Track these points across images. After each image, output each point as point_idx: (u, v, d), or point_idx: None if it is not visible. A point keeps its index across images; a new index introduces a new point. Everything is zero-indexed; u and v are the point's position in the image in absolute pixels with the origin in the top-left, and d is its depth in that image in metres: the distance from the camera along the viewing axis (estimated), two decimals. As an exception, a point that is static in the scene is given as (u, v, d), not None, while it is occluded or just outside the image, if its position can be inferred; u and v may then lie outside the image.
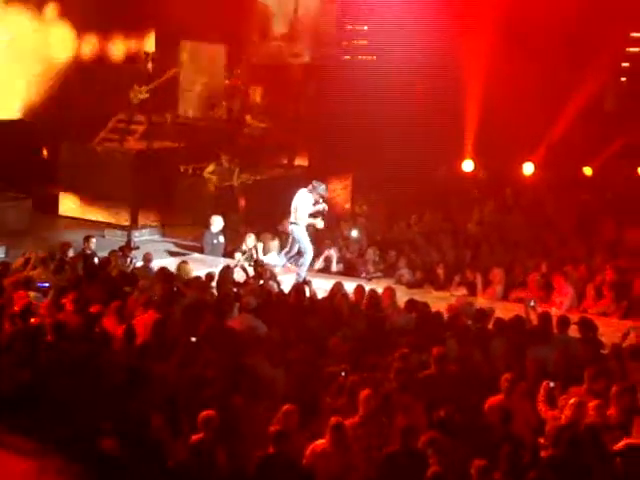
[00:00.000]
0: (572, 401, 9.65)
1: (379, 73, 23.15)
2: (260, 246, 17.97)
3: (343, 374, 10.40)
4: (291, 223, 16.69)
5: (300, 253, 16.73)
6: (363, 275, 17.82)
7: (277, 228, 19.04)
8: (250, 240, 18.06)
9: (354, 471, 8.73)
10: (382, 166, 22.07)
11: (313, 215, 16.53)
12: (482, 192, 22.22)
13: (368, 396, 9.46)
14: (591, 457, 8.70)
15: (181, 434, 9.06)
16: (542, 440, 9.26)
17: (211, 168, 20.36)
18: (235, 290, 14.23)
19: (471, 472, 8.23)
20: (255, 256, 17.47)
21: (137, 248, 17.05)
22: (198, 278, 14.78)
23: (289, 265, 16.88)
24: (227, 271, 15.22)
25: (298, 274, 16.37)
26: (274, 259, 17.79)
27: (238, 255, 17.73)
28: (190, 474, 8.45)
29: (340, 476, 8.66)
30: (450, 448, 8.68)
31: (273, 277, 15.33)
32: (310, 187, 16.66)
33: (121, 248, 16.51)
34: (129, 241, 17.17)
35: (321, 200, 16.63)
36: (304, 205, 16.53)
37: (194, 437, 8.78)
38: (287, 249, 17.03)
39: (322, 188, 16.73)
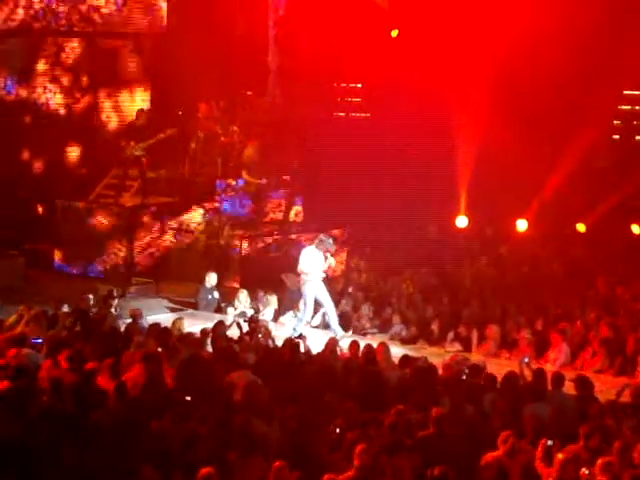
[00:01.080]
0: (560, 457, 9.62)
1: (373, 130, 23.31)
2: (245, 300, 18.02)
3: (337, 430, 10.35)
4: (301, 280, 16.68)
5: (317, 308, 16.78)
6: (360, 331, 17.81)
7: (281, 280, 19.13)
8: (242, 296, 18.08)
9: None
10: (376, 221, 22.14)
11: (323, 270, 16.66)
12: (478, 248, 22.29)
13: (363, 450, 9.41)
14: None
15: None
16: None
17: (201, 227, 20.48)
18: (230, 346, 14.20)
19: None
20: (249, 312, 17.45)
21: (121, 296, 17.08)
22: (192, 334, 14.74)
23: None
24: (221, 327, 15.20)
25: (293, 328, 16.36)
26: (269, 315, 17.80)
27: (230, 310, 17.72)
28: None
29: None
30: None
31: (268, 333, 15.31)
32: (317, 242, 16.76)
33: (104, 298, 16.51)
34: (111, 290, 17.13)
35: (329, 255, 16.71)
36: (313, 261, 16.58)
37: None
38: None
39: (329, 242, 16.82)
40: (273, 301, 18.37)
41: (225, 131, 21.88)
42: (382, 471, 9.41)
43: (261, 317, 17.54)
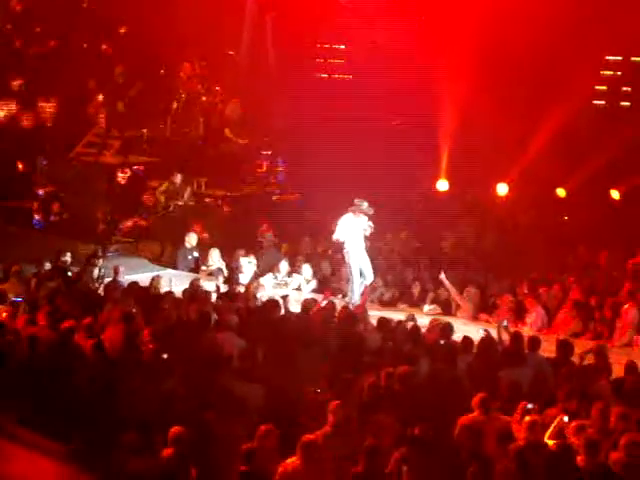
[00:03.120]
0: (527, 420, 9.70)
1: (355, 93, 23.20)
2: (218, 259, 17.94)
3: (318, 391, 10.39)
4: (344, 249, 16.43)
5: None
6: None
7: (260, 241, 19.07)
8: (215, 254, 18.06)
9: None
10: (358, 184, 22.07)
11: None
12: (458, 212, 22.30)
13: (338, 406, 9.47)
14: (553, 476, 8.71)
15: (152, 449, 9.00)
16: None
17: (164, 187, 20.21)
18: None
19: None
20: (226, 272, 17.43)
21: (104, 257, 17.02)
22: (172, 293, 14.73)
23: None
24: (198, 287, 15.20)
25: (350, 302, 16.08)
26: (248, 276, 17.76)
27: (203, 269, 17.67)
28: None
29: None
30: (423, 466, 8.68)
31: (250, 294, 15.30)
32: (353, 208, 16.35)
33: (88, 258, 16.47)
34: (96, 251, 17.07)
35: (367, 220, 16.31)
36: (349, 228, 16.29)
37: (164, 452, 8.74)
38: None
39: (365, 206, 16.40)
40: (253, 262, 18.35)
41: (207, 91, 21.75)
42: (362, 428, 9.45)
43: (240, 277, 17.58)
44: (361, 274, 16.63)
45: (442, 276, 17.03)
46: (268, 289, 17.28)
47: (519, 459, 8.93)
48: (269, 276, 18.15)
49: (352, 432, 9.44)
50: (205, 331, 12.53)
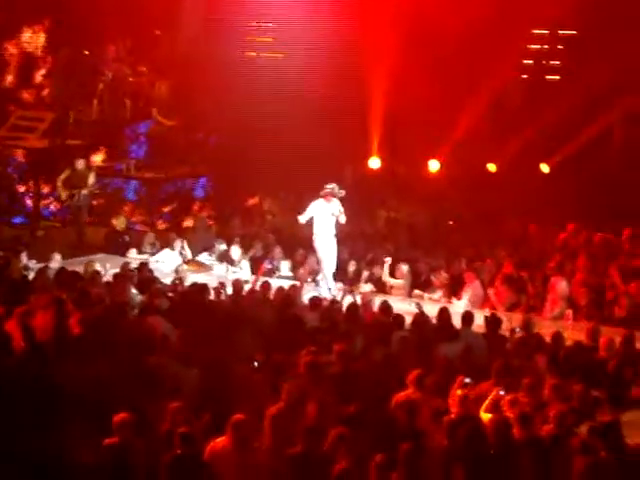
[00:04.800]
0: (459, 393, 9.74)
1: (284, 71, 23.08)
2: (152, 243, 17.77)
3: (256, 364, 10.34)
4: (314, 235, 16.15)
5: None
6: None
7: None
8: (149, 238, 17.89)
9: (255, 469, 8.65)
10: (289, 164, 22.00)
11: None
12: (391, 189, 22.34)
13: (292, 386, 9.50)
14: (486, 449, 8.75)
15: (89, 435, 8.88)
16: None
17: (64, 175, 19.12)
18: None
19: (371, 468, 8.23)
20: (152, 257, 17.28)
21: (26, 244, 16.75)
22: (100, 277, 14.56)
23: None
24: (129, 271, 15.07)
25: (318, 290, 15.85)
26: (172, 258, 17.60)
27: (133, 253, 17.50)
28: (104, 477, 8.29)
29: (239, 474, 8.58)
30: (359, 444, 8.67)
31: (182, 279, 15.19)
32: (324, 193, 16.04)
33: (13, 244, 16.21)
34: (19, 236, 16.78)
35: (339, 205, 16.00)
36: (317, 213, 16.05)
37: (108, 440, 8.61)
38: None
39: (336, 189, 16.10)
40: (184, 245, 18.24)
41: (133, 72, 21.50)
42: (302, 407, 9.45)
43: (175, 260, 17.46)
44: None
45: (387, 260, 17.00)
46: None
47: (451, 432, 8.96)
48: (204, 255, 18.02)
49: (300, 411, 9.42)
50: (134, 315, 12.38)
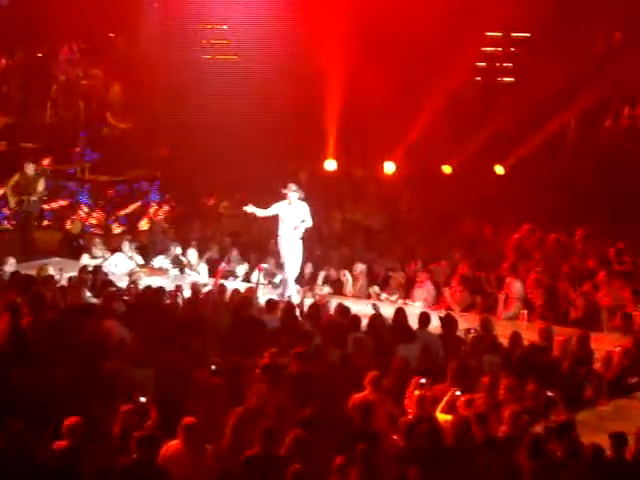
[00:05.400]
0: (416, 394, 9.78)
1: (240, 73, 23.06)
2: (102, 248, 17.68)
3: (213, 367, 10.33)
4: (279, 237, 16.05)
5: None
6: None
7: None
8: (97, 243, 17.81)
9: (207, 472, 8.64)
10: (245, 166, 21.97)
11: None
12: (347, 192, 22.39)
13: (260, 389, 9.56)
14: (443, 450, 8.79)
15: (42, 440, 8.81)
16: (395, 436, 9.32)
17: (13, 181, 18.47)
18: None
19: (332, 469, 8.24)
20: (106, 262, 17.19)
21: None
22: (54, 281, 14.47)
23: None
24: (83, 275, 14.99)
25: (283, 295, 15.74)
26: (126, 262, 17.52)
27: (85, 257, 17.40)
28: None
29: (192, 476, 8.56)
30: (315, 446, 8.68)
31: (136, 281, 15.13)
32: (285, 193, 15.86)
33: None
34: None
35: (306, 211, 15.89)
36: (287, 217, 15.95)
37: (58, 444, 8.56)
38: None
39: (294, 188, 15.95)
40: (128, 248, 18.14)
41: (86, 74, 21.37)
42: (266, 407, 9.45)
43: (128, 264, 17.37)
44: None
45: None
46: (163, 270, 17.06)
47: (408, 433, 9.00)
48: (160, 258, 17.96)
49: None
50: (90, 319, 12.29)
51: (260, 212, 16.23)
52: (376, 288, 16.93)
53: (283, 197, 16.07)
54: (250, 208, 16.19)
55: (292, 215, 16.01)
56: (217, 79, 23.14)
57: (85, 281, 14.75)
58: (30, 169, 18.41)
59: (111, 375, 10.38)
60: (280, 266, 17.34)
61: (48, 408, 9.35)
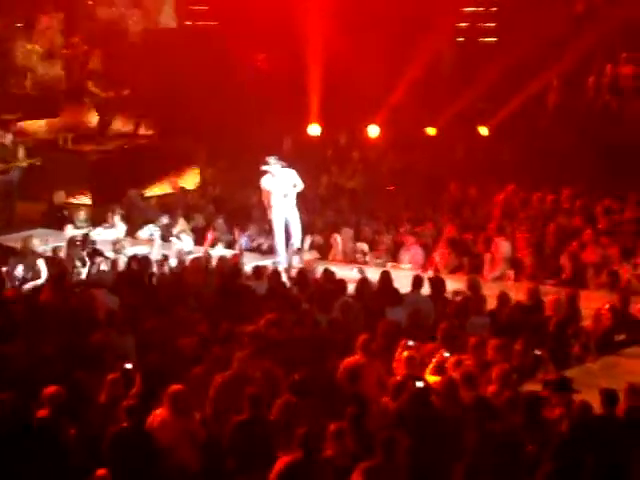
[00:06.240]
0: (405, 355, 9.78)
1: (220, 40, 22.90)
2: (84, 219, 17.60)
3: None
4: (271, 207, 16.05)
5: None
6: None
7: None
8: (80, 215, 17.73)
9: (193, 439, 8.63)
10: (228, 134, 21.88)
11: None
12: (331, 156, 22.32)
13: (242, 357, 9.48)
14: (432, 411, 8.80)
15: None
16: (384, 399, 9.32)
17: None
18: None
19: (327, 435, 8.23)
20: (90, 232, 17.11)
21: None
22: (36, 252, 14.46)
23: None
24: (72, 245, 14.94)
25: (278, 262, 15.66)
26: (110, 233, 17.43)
27: (69, 228, 17.32)
28: (36, 450, 8.20)
29: (179, 444, 8.55)
30: (304, 411, 8.67)
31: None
32: (267, 168, 15.87)
33: None
34: None
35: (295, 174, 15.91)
36: (269, 186, 15.95)
37: (39, 412, 8.54)
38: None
39: (273, 160, 15.99)
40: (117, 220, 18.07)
41: (66, 43, 21.19)
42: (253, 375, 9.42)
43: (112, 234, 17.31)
44: (287, 232, 16.32)
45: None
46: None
47: (396, 394, 8.99)
48: (148, 228, 17.87)
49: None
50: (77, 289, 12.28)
51: (266, 197, 16.14)
52: (365, 246, 16.86)
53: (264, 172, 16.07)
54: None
55: (280, 185, 16.00)
56: (198, 46, 22.99)
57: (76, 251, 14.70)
58: (7, 138, 18.40)
59: (99, 345, 10.36)
60: (264, 233, 17.37)
61: (37, 379, 9.32)
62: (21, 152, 18.61)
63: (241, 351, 9.72)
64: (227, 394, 9.06)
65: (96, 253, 14.59)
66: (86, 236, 15.95)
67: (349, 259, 16.84)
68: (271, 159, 16.09)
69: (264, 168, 16.01)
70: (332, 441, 8.16)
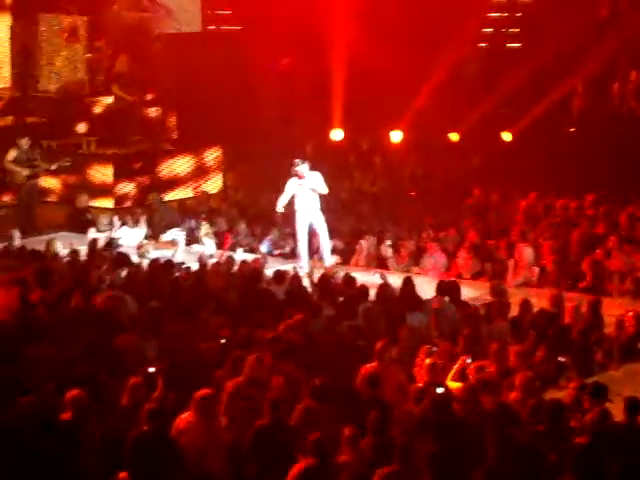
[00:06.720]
0: (427, 362, 9.76)
1: (244, 44, 22.96)
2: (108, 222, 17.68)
3: (223, 341, 10.30)
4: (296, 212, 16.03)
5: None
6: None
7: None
8: (103, 218, 17.79)
9: (219, 444, 8.64)
10: (251, 138, 21.92)
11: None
12: (354, 161, 22.33)
13: (256, 359, 9.46)
14: (454, 417, 8.77)
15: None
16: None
17: (11, 155, 18.22)
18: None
19: (341, 440, 8.22)
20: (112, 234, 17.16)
21: None
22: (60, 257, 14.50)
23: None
24: (96, 249, 15.01)
25: (300, 267, 15.57)
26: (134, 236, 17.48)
27: (92, 231, 17.38)
28: (58, 453, 8.23)
29: (205, 449, 8.56)
30: (325, 416, 8.66)
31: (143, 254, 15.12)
32: (294, 171, 15.83)
33: None
34: None
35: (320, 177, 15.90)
36: (292, 192, 15.94)
37: (63, 415, 8.57)
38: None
39: (299, 162, 15.93)
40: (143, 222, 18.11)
41: (90, 47, 21.29)
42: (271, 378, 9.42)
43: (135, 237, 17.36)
44: (313, 234, 16.29)
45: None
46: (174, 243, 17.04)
47: (418, 400, 8.97)
48: (172, 231, 17.88)
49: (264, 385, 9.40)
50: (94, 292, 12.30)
51: (284, 201, 16.15)
52: (389, 250, 16.76)
53: (291, 175, 16.06)
54: (279, 208, 16.15)
55: (305, 188, 15.98)
56: (221, 50, 23.07)
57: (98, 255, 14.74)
58: (25, 143, 18.35)
59: (123, 349, 10.39)
60: (286, 237, 17.37)
61: (61, 381, 9.36)
62: (38, 155, 18.62)
63: (252, 355, 9.68)
64: (239, 399, 9.06)
65: (122, 258, 14.62)
66: (112, 240, 16.01)
67: (372, 265, 16.80)
68: (298, 161, 16.08)
69: (295, 169, 15.98)
70: (347, 446, 8.16)
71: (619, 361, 11.45)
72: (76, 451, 8.31)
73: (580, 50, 20.67)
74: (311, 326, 11.02)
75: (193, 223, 18.15)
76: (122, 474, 7.97)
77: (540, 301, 12.95)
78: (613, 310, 12.74)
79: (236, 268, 14.35)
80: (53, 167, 18.71)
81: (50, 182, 20.02)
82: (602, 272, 15.29)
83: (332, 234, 17.61)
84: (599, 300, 12.60)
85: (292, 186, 16.09)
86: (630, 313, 12.12)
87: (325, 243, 16.31)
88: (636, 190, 18.45)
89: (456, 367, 10.01)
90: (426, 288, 13.15)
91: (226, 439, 8.71)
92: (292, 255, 17.04)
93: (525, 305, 12.23)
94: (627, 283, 14.77)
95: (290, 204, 16.47)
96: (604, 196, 18.28)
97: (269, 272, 14.23)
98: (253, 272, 13.82)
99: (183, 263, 14.60)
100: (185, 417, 8.73)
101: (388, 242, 16.85)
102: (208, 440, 8.58)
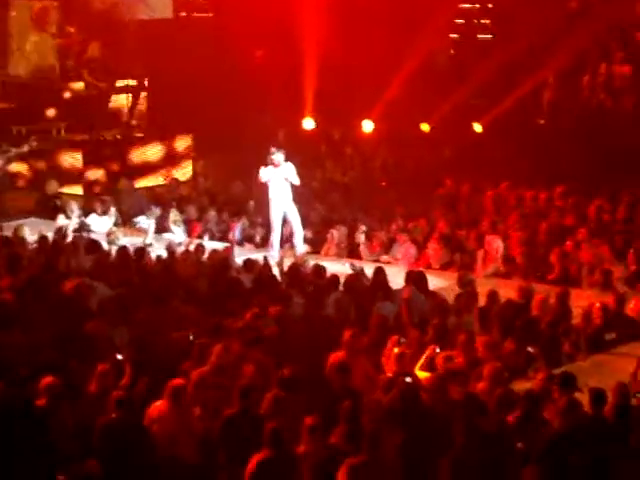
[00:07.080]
0: (396, 351, 9.79)
1: (216, 31, 22.87)
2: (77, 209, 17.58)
3: (191, 337, 10.29)
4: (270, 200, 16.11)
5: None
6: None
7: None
8: (74, 205, 17.72)
9: (191, 432, 8.64)
10: (222, 126, 21.84)
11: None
12: (327, 150, 22.33)
13: (223, 348, 9.46)
14: (422, 407, 8.80)
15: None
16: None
17: None
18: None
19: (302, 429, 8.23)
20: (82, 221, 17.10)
21: None
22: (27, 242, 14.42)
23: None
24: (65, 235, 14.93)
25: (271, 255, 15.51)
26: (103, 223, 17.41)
27: (61, 218, 17.30)
28: (33, 439, 8.21)
29: (177, 437, 8.57)
30: (293, 406, 8.68)
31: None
32: (270, 159, 15.95)
33: None
34: None
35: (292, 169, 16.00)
36: (275, 179, 16.00)
37: (37, 402, 8.54)
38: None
39: (275, 150, 16.10)
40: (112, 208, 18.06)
41: (61, 32, 21.15)
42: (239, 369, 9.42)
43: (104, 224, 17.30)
44: (285, 223, 16.41)
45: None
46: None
47: (387, 390, 9.00)
48: (142, 218, 17.85)
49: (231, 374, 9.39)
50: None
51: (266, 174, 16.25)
52: (362, 237, 16.77)
53: (267, 162, 16.11)
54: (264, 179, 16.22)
55: (279, 177, 16.07)
56: (193, 37, 22.97)
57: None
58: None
59: (92, 335, 10.37)
60: (258, 225, 17.39)
61: (32, 367, 9.33)
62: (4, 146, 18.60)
63: (221, 344, 9.68)
64: (207, 388, 9.07)
65: (92, 244, 14.58)
66: (82, 223, 15.96)
67: (343, 254, 16.82)
68: (274, 149, 16.16)
69: (271, 157, 16.03)
70: (307, 436, 8.16)
71: (586, 352, 11.53)
72: (48, 438, 8.29)
73: (551, 42, 20.73)
74: (282, 314, 11.00)
75: (159, 211, 18.10)
76: (91, 462, 7.97)
77: (508, 292, 13.01)
78: (581, 302, 12.81)
79: (206, 256, 14.32)
80: (25, 149, 18.62)
81: (19, 167, 19.88)
82: (570, 264, 15.38)
83: (303, 223, 17.65)
84: (567, 292, 12.67)
85: (267, 173, 16.14)
86: (597, 305, 12.21)
87: (298, 232, 16.35)
88: (605, 182, 18.55)
89: (424, 357, 10.04)
90: (397, 278, 13.16)
91: (198, 427, 8.72)
92: (263, 244, 17.05)
93: (492, 296, 12.28)
94: (596, 275, 14.87)
95: (264, 193, 16.52)
96: (573, 188, 18.38)
97: (239, 260, 14.23)
98: (223, 260, 13.80)
99: (151, 246, 14.58)
100: (158, 405, 8.74)
101: (363, 228, 16.90)
102: (180, 428, 8.62)
